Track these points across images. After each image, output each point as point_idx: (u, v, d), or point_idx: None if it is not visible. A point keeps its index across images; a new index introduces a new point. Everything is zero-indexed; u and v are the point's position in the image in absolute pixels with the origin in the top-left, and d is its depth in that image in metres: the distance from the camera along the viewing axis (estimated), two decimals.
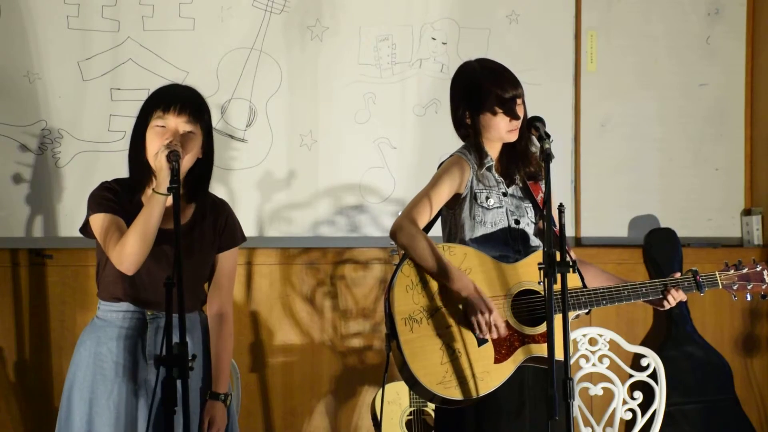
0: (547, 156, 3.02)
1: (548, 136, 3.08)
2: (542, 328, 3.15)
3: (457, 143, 3.38)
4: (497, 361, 3.12)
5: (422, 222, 3.18)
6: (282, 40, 4.80)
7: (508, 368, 3.12)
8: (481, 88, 3.23)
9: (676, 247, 5.08)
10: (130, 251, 2.95)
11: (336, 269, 4.83)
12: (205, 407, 3.14)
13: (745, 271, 3.37)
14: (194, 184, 3.11)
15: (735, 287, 3.37)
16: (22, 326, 4.56)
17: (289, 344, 4.79)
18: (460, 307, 3.13)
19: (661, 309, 3.33)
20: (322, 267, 4.81)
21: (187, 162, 3.03)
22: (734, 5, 5.27)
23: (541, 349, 3.14)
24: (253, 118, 4.78)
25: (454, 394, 3.08)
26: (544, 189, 3.28)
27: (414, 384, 3.11)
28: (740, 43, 5.30)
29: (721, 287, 3.36)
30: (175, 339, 2.77)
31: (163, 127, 3.02)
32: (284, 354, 4.79)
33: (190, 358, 2.76)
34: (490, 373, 3.11)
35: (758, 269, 3.37)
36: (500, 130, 3.22)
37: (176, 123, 3.02)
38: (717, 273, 3.36)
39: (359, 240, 4.87)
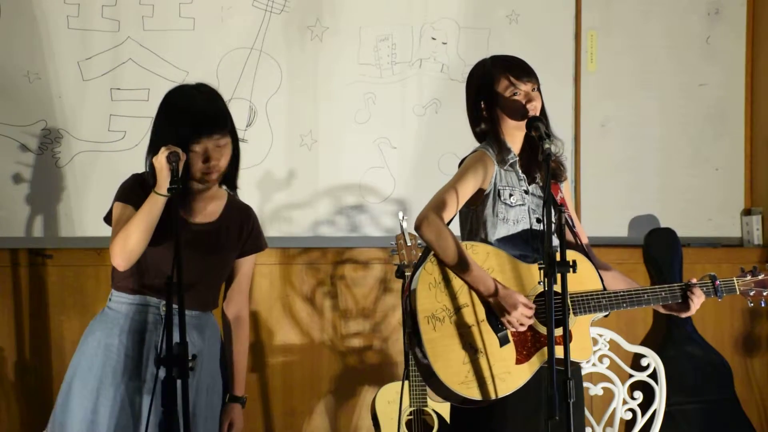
0: (547, 156, 3.01)
1: (548, 135, 3.08)
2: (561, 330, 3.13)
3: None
4: (518, 362, 3.11)
5: (448, 216, 3.16)
6: (282, 40, 4.80)
7: (529, 369, 3.11)
8: (494, 77, 3.23)
9: (676, 247, 5.08)
10: (121, 248, 2.97)
11: (336, 269, 4.83)
12: (223, 409, 3.16)
13: (761, 277, 3.38)
14: (231, 176, 3.18)
15: (752, 293, 3.38)
16: (22, 326, 4.56)
17: (289, 344, 4.79)
18: (483, 306, 3.12)
19: (683, 315, 3.31)
20: (322, 267, 4.81)
21: (223, 165, 3.09)
22: (734, 5, 5.27)
23: (560, 352, 3.12)
24: (253, 118, 4.78)
25: (476, 394, 3.07)
26: (562, 189, 3.29)
27: (435, 383, 3.08)
28: (740, 43, 5.29)
29: (738, 293, 3.37)
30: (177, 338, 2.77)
31: (199, 151, 3.05)
32: (284, 354, 4.79)
33: (190, 358, 2.77)
34: (512, 374, 3.09)
35: None
36: (517, 119, 3.21)
37: (209, 144, 3.06)
38: (735, 279, 3.36)
39: (359, 240, 4.87)
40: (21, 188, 4.57)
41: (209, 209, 3.15)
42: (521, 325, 3.08)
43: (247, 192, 4.71)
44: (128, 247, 2.97)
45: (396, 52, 4.91)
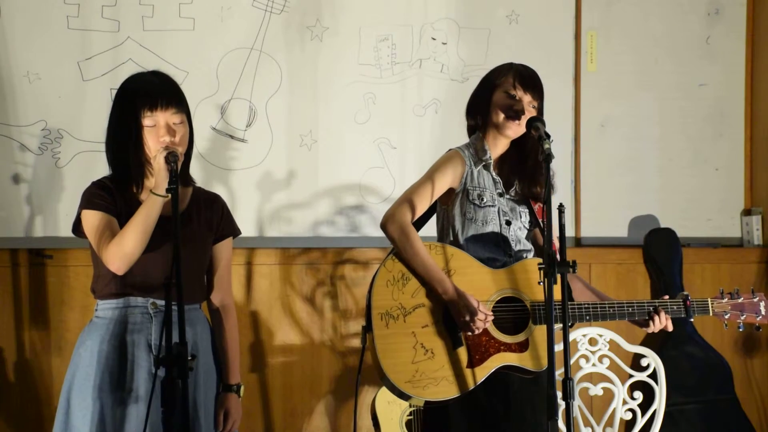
0: (547, 156, 3.02)
1: (548, 136, 3.08)
2: (519, 337, 3.16)
3: (457, 142, 3.38)
4: (470, 365, 3.12)
5: (420, 210, 3.18)
6: (282, 40, 4.80)
7: (480, 374, 3.13)
8: (504, 74, 3.27)
9: (676, 248, 5.08)
10: (125, 251, 2.95)
11: (336, 269, 4.83)
12: (217, 399, 3.14)
13: (740, 300, 3.31)
14: (184, 167, 3.12)
15: (727, 316, 3.31)
16: (22, 326, 4.56)
17: (289, 344, 4.79)
18: (439, 308, 3.14)
19: (646, 330, 3.31)
20: (322, 267, 4.81)
21: (179, 142, 3.04)
22: (734, 5, 5.27)
23: (515, 359, 3.14)
24: (253, 118, 4.78)
25: (423, 394, 3.09)
26: (544, 192, 3.29)
27: (384, 380, 3.12)
28: (740, 43, 5.29)
29: (711, 314, 3.33)
30: (176, 338, 2.76)
31: (153, 125, 3.01)
32: (284, 354, 4.79)
33: (189, 357, 2.76)
34: (461, 377, 3.11)
35: (755, 300, 3.32)
36: (499, 115, 3.23)
37: (165, 118, 3.02)
38: (709, 300, 3.33)
39: (359, 240, 4.87)
40: (21, 188, 4.57)
41: None
42: (476, 329, 3.09)
43: (247, 192, 4.75)
44: (125, 250, 2.95)
45: (396, 53, 4.91)
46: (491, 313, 3.12)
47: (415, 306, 3.13)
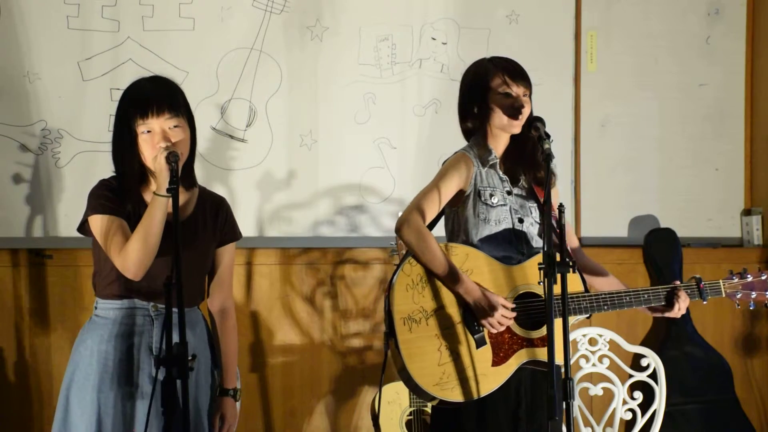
0: (547, 156, 3.02)
1: (548, 136, 3.08)
2: (541, 331, 3.15)
3: (458, 143, 3.38)
4: (495, 363, 3.12)
5: (429, 217, 3.18)
6: (282, 40, 4.80)
7: (505, 371, 3.12)
8: (490, 73, 3.24)
9: (676, 248, 5.08)
10: (136, 257, 2.93)
11: (336, 269, 4.83)
12: (213, 403, 3.14)
13: (749, 279, 3.36)
14: (187, 170, 3.11)
15: (738, 296, 3.36)
16: (22, 326, 4.56)
17: (289, 344, 4.79)
18: (460, 308, 3.13)
19: (669, 317, 3.31)
20: (322, 267, 4.81)
21: (184, 153, 3.03)
22: (734, 5, 5.27)
23: (539, 353, 3.14)
24: (253, 118, 4.78)
25: (451, 396, 3.08)
26: (545, 192, 3.29)
27: (412, 385, 3.11)
28: (740, 43, 5.29)
29: (724, 296, 3.36)
30: (176, 339, 2.76)
31: (149, 132, 2.99)
32: (284, 354, 4.79)
33: (190, 357, 2.76)
34: (488, 376, 3.11)
35: (763, 278, 3.37)
36: (502, 118, 3.22)
37: (159, 124, 2.99)
38: (721, 281, 3.35)
39: (359, 240, 4.87)
40: (21, 188, 4.57)
41: (182, 203, 3.08)
42: (500, 325, 3.09)
43: (247, 192, 4.75)
44: (152, 250, 2.93)
45: (396, 53, 4.91)
46: (513, 312, 3.12)
47: (436, 308, 3.12)
